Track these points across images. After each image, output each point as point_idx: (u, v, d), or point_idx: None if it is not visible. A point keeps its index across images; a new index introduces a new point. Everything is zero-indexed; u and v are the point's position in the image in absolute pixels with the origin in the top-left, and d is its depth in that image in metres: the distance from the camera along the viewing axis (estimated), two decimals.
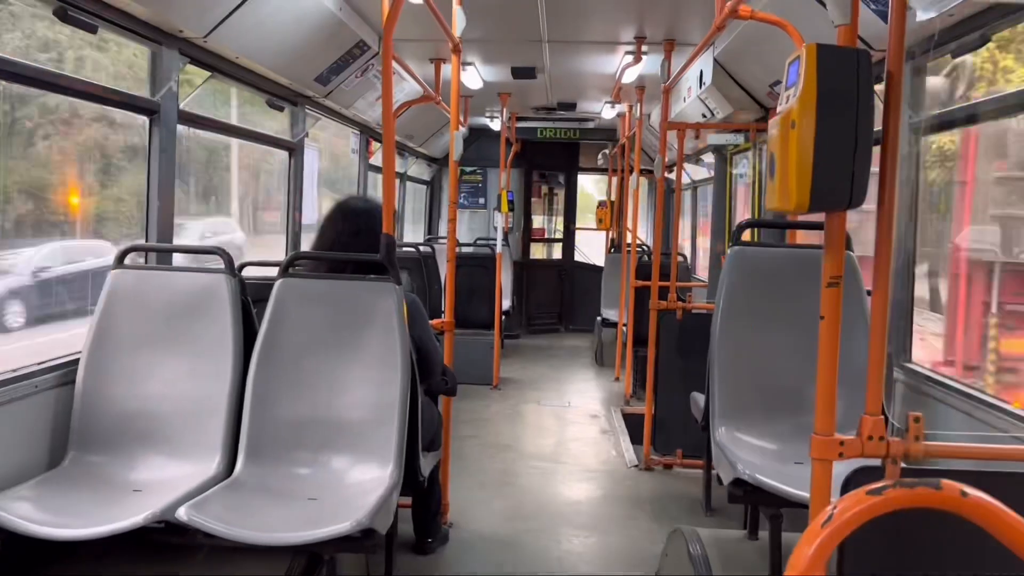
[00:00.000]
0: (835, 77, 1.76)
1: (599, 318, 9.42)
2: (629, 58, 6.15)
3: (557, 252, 12.21)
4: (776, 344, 3.42)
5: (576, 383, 8.25)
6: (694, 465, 5.11)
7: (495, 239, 8.62)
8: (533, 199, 12.02)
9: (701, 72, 5.49)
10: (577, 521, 4.45)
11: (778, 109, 1.92)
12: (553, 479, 5.19)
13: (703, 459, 4.58)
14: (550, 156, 11.64)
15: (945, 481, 1.24)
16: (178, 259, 3.91)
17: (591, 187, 17.28)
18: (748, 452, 3.09)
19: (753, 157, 6.34)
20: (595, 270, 11.31)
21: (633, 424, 6.26)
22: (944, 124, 3.55)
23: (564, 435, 6.32)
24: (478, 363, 7.68)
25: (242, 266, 3.45)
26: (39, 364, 3.00)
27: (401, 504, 3.04)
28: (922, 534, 1.71)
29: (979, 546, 1.43)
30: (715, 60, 5.30)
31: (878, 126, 1.89)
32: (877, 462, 1.86)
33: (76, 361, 3.06)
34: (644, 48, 5.87)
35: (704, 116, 6.32)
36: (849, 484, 1.76)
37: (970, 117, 3.37)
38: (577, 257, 12.09)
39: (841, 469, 1.85)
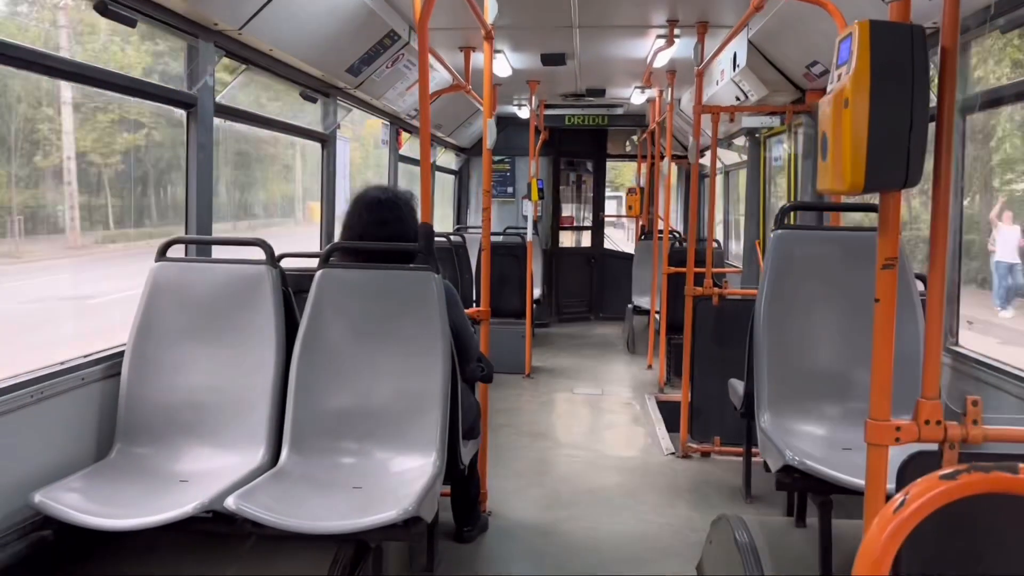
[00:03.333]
0: (889, 54, 1.71)
1: (630, 306, 9.36)
2: (661, 42, 6.08)
3: (586, 240, 12.14)
4: (822, 328, 3.36)
5: (608, 371, 8.21)
6: (732, 452, 5.06)
7: (525, 228, 8.59)
8: (561, 187, 11.96)
9: (735, 54, 5.41)
10: (615, 509, 4.43)
11: (828, 88, 1.88)
12: (589, 467, 5.17)
13: (742, 446, 4.54)
14: (578, 143, 11.56)
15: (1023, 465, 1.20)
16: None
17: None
18: (796, 439, 3.04)
19: (788, 140, 6.25)
20: (625, 258, 11.24)
21: (668, 412, 6.21)
22: (991, 102, 3.46)
23: (598, 423, 6.30)
24: (510, 352, 7.67)
25: (281, 257, 3.46)
26: (85, 357, 3.03)
27: (440, 493, 3.04)
28: (976, 522, 1.67)
29: None
30: (749, 42, 5.22)
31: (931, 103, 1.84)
32: (933, 447, 1.82)
33: (121, 354, 3.10)
34: (676, 31, 5.80)
35: (738, 99, 6.24)
36: (906, 469, 1.72)
37: (1019, 95, 3.28)
38: (606, 244, 12.02)
39: (894, 454, 1.81)
